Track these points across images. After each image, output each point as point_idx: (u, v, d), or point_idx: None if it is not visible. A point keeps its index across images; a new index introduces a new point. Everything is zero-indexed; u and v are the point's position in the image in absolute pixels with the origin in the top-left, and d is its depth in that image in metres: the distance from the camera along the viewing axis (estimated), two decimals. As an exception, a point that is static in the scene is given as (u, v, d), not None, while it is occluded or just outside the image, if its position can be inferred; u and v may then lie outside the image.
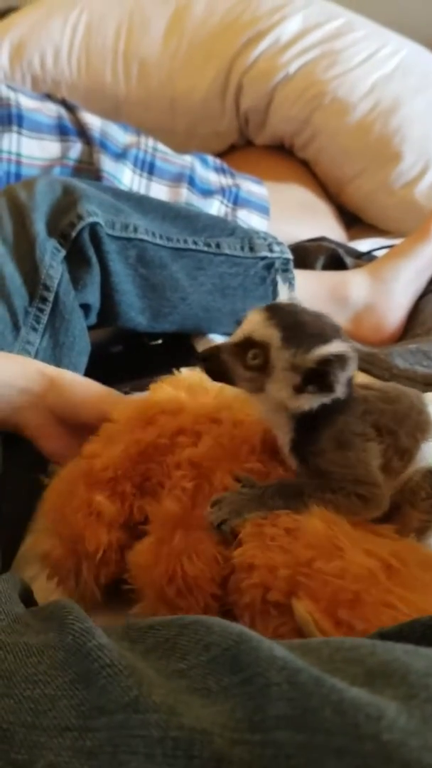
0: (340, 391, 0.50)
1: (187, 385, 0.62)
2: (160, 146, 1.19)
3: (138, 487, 0.58)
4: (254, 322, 0.51)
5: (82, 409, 0.66)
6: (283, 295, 0.55)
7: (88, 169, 1.13)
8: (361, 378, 0.81)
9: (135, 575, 0.54)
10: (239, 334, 0.51)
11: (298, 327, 0.50)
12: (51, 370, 0.69)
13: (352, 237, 1.33)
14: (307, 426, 0.52)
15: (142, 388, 0.68)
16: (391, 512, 0.53)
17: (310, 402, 0.50)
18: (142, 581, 0.53)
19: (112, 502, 0.57)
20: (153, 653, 0.35)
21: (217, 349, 0.51)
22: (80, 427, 0.64)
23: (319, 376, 0.49)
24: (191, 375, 0.65)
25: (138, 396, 0.66)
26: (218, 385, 0.60)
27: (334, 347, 0.49)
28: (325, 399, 0.50)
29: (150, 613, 0.53)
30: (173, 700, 0.31)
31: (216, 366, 0.51)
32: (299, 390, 0.50)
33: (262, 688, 0.30)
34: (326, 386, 0.49)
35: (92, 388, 0.68)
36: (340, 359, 0.49)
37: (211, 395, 0.61)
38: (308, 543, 0.48)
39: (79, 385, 0.68)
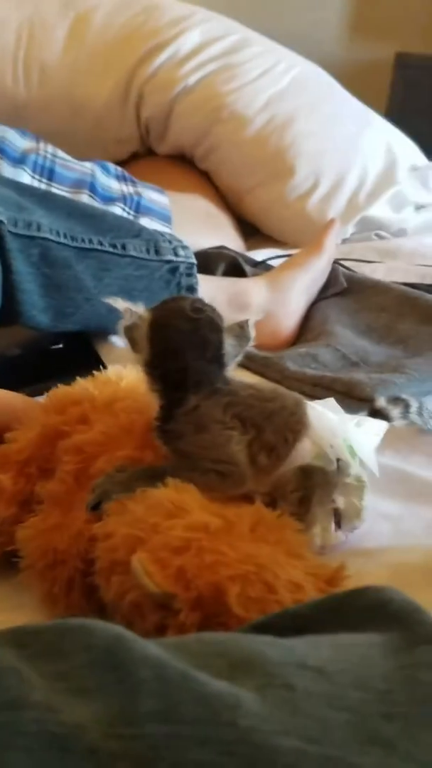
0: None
1: (102, 380, 0.66)
2: (60, 152, 1.19)
3: (42, 469, 0.62)
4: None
5: None
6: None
7: (-15, 174, 1.12)
8: (254, 380, 0.85)
9: (20, 548, 0.59)
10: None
11: None
12: None
13: (251, 247, 1.36)
14: (167, 409, 0.56)
15: (41, 393, 0.69)
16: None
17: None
18: (24, 554, 0.58)
19: (16, 482, 0.62)
20: (38, 657, 0.36)
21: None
22: None
23: None
24: (114, 372, 0.68)
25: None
26: (129, 376, 0.66)
27: None
28: None
29: (27, 583, 0.58)
30: (52, 699, 0.32)
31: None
32: None
33: (134, 684, 0.31)
34: None
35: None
36: None
37: (115, 387, 0.65)
38: (149, 505, 0.52)
39: None
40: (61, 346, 0.94)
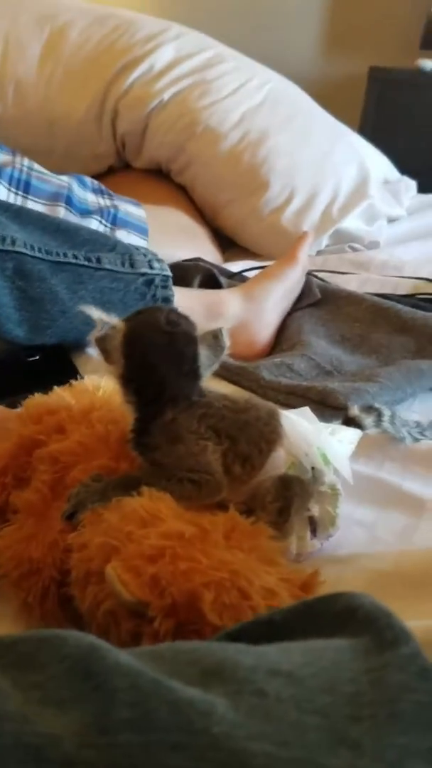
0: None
1: (79, 390, 0.67)
2: (36, 165, 1.20)
3: (17, 478, 0.62)
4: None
5: None
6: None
7: (-39, 188, 1.12)
8: (229, 389, 0.86)
9: None
10: None
11: None
12: None
13: (228, 259, 1.38)
14: (142, 422, 0.56)
15: (19, 404, 0.69)
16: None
17: None
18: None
19: None
20: (14, 668, 0.36)
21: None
22: None
23: None
24: (90, 382, 0.68)
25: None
26: (106, 386, 0.66)
27: None
28: None
29: (2, 592, 0.58)
30: (27, 710, 0.32)
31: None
32: None
33: (107, 693, 0.32)
34: None
35: None
36: None
37: (92, 397, 0.65)
38: (124, 514, 0.52)
39: None
40: (37, 357, 0.94)
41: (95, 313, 0.56)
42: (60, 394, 0.66)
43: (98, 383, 0.68)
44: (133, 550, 0.49)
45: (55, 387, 0.68)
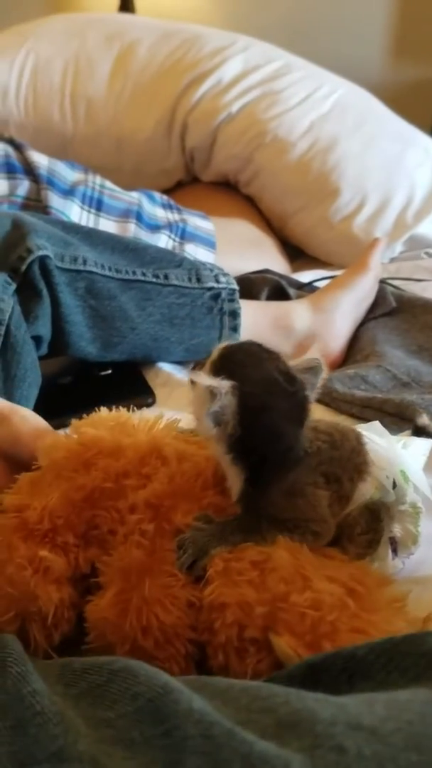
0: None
1: (109, 426, 0.59)
2: (108, 183, 1.22)
3: (81, 537, 0.55)
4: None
5: (22, 445, 0.62)
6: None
7: (35, 206, 1.15)
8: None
9: (100, 632, 0.51)
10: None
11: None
12: (4, 404, 0.66)
13: (296, 269, 1.36)
14: (258, 478, 0.52)
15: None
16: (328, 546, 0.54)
17: None
18: (111, 637, 0.50)
19: (56, 555, 0.53)
20: (84, 699, 0.36)
21: None
22: (20, 464, 0.61)
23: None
24: (108, 414, 0.62)
25: (62, 435, 0.61)
26: (142, 421, 0.60)
27: None
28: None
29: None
30: (97, 750, 0.31)
31: None
32: None
33: (179, 740, 0.31)
34: None
35: (34, 423, 0.65)
36: None
37: (142, 432, 0.59)
38: (281, 577, 0.48)
39: (27, 421, 0.65)
40: (110, 372, 0.95)
41: (204, 379, 0.49)
42: (93, 432, 0.58)
43: (118, 414, 0.61)
44: (301, 623, 0.46)
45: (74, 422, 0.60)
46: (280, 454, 0.51)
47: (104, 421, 0.60)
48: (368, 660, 0.38)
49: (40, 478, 0.57)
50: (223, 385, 0.49)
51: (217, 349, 0.53)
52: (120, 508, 0.54)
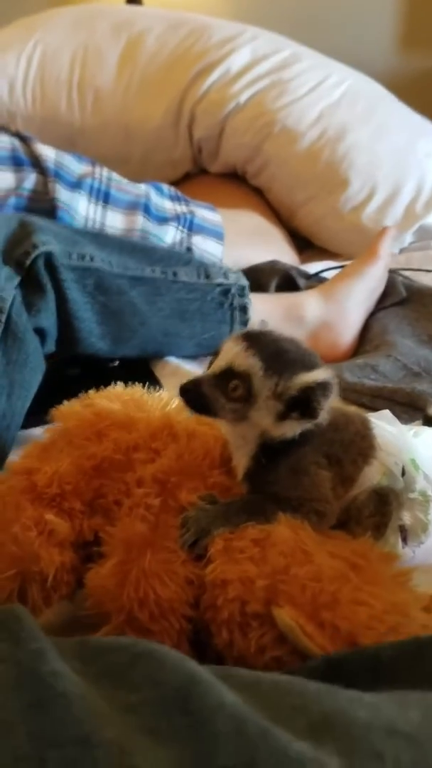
0: (322, 418, 0.50)
1: (123, 399, 0.60)
2: (115, 175, 1.21)
3: (88, 504, 0.55)
4: (233, 352, 0.50)
5: None
6: (255, 321, 0.55)
7: (43, 199, 1.14)
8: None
9: (99, 599, 0.51)
10: (219, 364, 0.51)
11: (279, 355, 0.50)
12: None
13: (305, 260, 1.36)
14: (266, 456, 0.52)
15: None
16: (336, 529, 0.54)
17: (293, 429, 0.51)
18: (109, 606, 0.50)
19: (62, 520, 0.54)
20: (105, 679, 0.35)
21: (198, 381, 0.51)
22: None
23: (302, 404, 0.49)
24: (123, 389, 0.63)
25: (76, 404, 0.62)
26: (156, 399, 0.60)
27: (317, 375, 0.50)
28: (308, 425, 0.51)
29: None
30: (125, 738, 0.30)
31: (197, 398, 0.51)
32: (282, 417, 0.50)
33: (210, 735, 0.30)
34: (309, 413, 0.50)
35: None
36: (323, 386, 0.49)
37: (155, 408, 0.60)
38: (281, 551, 0.48)
39: None
40: (117, 363, 0.95)
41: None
42: (107, 404, 0.59)
43: (133, 390, 0.62)
44: (301, 594, 0.46)
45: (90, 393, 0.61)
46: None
47: (119, 396, 0.61)
48: (393, 662, 0.37)
49: (51, 445, 0.58)
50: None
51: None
52: (127, 480, 0.54)
